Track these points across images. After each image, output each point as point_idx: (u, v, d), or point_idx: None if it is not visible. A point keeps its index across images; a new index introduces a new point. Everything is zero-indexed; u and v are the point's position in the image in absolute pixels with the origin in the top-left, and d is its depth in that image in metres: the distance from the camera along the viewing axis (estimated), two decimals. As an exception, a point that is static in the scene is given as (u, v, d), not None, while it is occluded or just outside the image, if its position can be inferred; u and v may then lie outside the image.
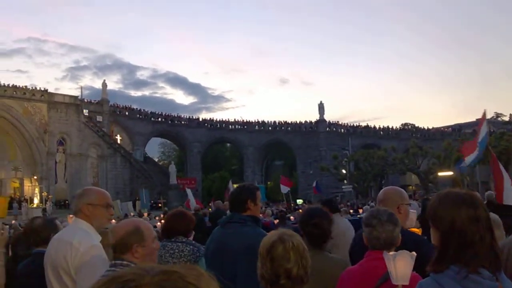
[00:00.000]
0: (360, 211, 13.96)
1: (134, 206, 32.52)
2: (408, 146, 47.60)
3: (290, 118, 76.99)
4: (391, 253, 2.22)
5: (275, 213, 17.68)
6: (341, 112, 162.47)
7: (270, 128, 63.32)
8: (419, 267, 2.19)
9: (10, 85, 46.49)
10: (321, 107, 61.07)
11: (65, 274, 2.79)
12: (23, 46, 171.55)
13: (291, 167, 69.41)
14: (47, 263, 2.96)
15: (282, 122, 63.77)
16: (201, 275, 0.89)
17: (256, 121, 64.10)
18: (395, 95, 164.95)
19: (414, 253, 2.22)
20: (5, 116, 44.85)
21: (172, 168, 52.98)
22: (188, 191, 26.48)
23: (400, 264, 2.17)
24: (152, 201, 43.77)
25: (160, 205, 39.23)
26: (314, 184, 41.84)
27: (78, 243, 2.80)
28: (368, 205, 18.75)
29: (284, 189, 28.61)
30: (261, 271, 2.29)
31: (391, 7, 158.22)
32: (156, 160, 71.22)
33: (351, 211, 18.58)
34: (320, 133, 60.17)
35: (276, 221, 12.75)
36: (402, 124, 71.70)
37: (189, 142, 61.29)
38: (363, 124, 65.84)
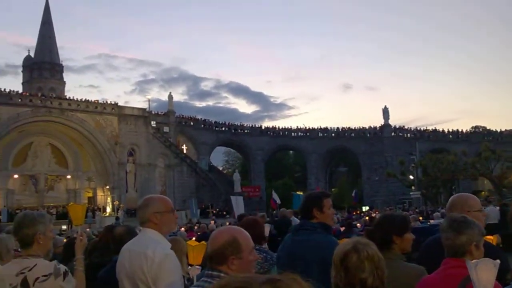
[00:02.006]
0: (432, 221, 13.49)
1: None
2: (480, 150, 45.48)
3: (353, 124, 76.30)
4: (474, 261, 2.14)
5: (340, 220, 17.45)
6: (407, 116, 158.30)
7: (333, 134, 62.66)
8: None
9: (83, 100, 49.01)
10: (385, 112, 59.81)
11: (143, 284, 2.84)
12: (94, 62, 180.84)
13: (355, 174, 68.33)
14: (122, 273, 3.02)
15: (346, 128, 62.94)
16: (302, 284, 0.91)
17: (319, 127, 63.71)
18: (464, 97, 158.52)
19: (498, 260, 2.14)
20: (79, 129, 47.23)
21: (237, 177, 53.62)
22: (233, 198, 26.50)
23: (483, 272, 2.09)
24: (218, 209, 44.52)
25: (214, 212, 39.98)
26: (353, 194, 40.79)
27: (153, 253, 2.83)
28: (438, 211, 18.09)
29: None
30: (335, 280, 2.27)
31: (461, 6, 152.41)
32: (221, 168, 72.33)
33: (421, 218, 17.98)
34: (385, 138, 58.87)
35: (342, 228, 12.56)
36: (472, 127, 68.79)
37: (253, 150, 61.82)
38: (431, 128, 63.63)
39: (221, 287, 0.86)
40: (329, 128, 63.46)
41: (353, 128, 62.61)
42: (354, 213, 31.48)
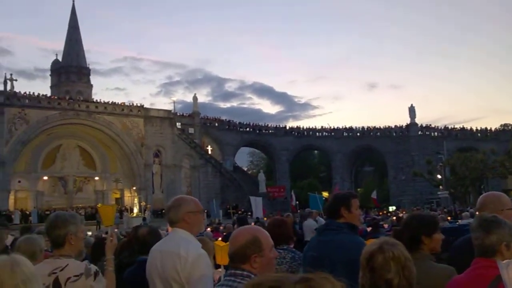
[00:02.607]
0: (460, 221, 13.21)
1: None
2: (509, 148, 44.52)
3: (379, 123, 75.20)
4: (505, 261, 2.11)
5: (366, 220, 17.26)
6: (434, 114, 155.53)
7: (358, 133, 62.13)
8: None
9: (110, 102, 49.79)
10: (412, 110, 59.04)
11: (177, 284, 2.89)
12: (120, 65, 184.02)
13: (381, 173, 67.62)
14: (153, 273, 3.06)
15: (371, 127, 62.36)
16: (334, 283, 0.91)
17: (344, 127, 63.26)
18: (493, 95, 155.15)
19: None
20: (106, 132, 47.99)
21: (261, 177, 53.65)
22: (252, 199, 26.52)
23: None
24: (243, 210, 44.58)
25: (240, 212, 40.02)
26: (374, 195, 40.44)
27: (186, 253, 2.89)
28: (467, 211, 17.75)
29: None
30: (361, 281, 2.26)
31: (487, 6, 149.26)
32: (245, 169, 72.41)
33: (449, 218, 17.65)
34: (411, 137, 58.09)
35: (369, 229, 12.43)
36: (501, 125, 67.30)
37: (277, 150, 61.75)
38: (458, 126, 62.50)
39: (255, 286, 0.86)
40: (354, 127, 62.99)
41: (378, 127, 62.02)
42: (380, 213, 31.12)
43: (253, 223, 16.31)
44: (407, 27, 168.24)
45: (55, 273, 3.03)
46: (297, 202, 33.12)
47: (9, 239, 5.84)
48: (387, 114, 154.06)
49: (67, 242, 3.16)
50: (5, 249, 5.11)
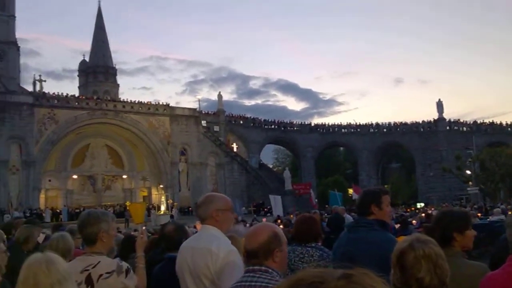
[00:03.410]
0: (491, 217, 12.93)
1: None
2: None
3: (406, 119, 73.70)
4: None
5: (394, 217, 17.04)
6: (462, 109, 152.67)
7: (385, 130, 61.36)
8: None
9: (136, 102, 50.40)
10: (439, 105, 57.99)
11: (207, 280, 2.91)
12: (146, 65, 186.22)
13: (408, 170, 66.68)
14: (183, 269, 3.08)
15: (398, 123, 61.49)
16: (374, 279, 0.90)
17: (370, 123, 62.58)
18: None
19: None
20: (133, 130, 48.57)
21: (287, 174, 53.48)
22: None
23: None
24: (269, 207, 44.58)
25: (265, 210, 39.90)
26: None
27: (217, 249, 2.91)
28: (498, 207, 17.39)
29: (355, 195, 28.48)
30: (392, 279, 2.23)
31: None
32: (271, 166, 72.34)
33: (479, 214, 17.29)
34: (439, 133, 57.08)
35: (397, 226, 12.27)
36: (533, 119, 65.58)
37: (302, 147, 61.51)
38: (488, 120, 61.07)
39: (297, 281, 0.85)
40: (380, 123, 62.21)
41: (405, 123, 61.10)
42: (408, 210, 30.86)
43: (279, 221, 16.30)
44: (434, 22, 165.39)
45: (88, 270, 3.08)
46: (317, 200, 33.15)
47: (41, 237, 5.98)
48: (414, 109, 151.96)
49: (99, 239, 3.21)
50: (37, 246, 5.23)
